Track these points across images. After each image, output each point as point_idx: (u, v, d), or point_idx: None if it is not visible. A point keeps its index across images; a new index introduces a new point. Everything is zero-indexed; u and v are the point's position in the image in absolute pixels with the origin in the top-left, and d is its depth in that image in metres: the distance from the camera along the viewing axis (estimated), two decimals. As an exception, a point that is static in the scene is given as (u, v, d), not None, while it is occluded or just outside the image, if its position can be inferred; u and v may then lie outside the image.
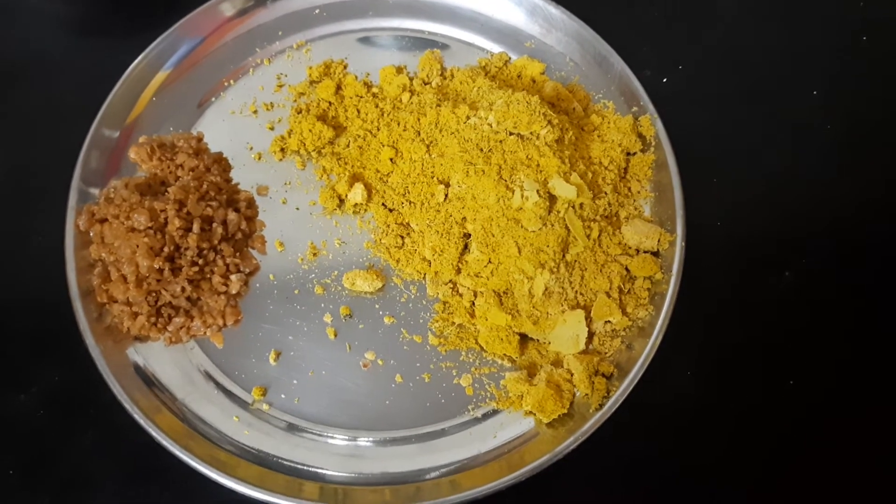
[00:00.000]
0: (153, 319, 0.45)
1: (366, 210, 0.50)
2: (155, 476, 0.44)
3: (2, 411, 0.45)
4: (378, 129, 0.52)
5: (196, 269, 0.45)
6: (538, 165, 0.46)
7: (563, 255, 0.46)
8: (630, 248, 0.48)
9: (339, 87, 0.53)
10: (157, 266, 0.44)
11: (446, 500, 0.41)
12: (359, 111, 0.53)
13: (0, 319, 0.47)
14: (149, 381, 0.45)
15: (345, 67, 0.55)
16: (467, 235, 0.47)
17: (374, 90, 0.54)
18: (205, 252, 0.45)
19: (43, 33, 0.58)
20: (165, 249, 0.44)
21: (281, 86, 0.54)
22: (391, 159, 0.50)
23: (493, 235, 0.46)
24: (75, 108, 0.51)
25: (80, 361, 0.44)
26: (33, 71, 0.56)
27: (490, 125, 0.47)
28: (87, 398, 0.45)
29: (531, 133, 0.47)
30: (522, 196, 0.45)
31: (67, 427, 0.45)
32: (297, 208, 0.50)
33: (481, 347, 0.46)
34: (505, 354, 0.46)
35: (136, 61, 0.51)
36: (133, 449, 0.44)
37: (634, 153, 0.51)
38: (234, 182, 0.50)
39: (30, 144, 0.53)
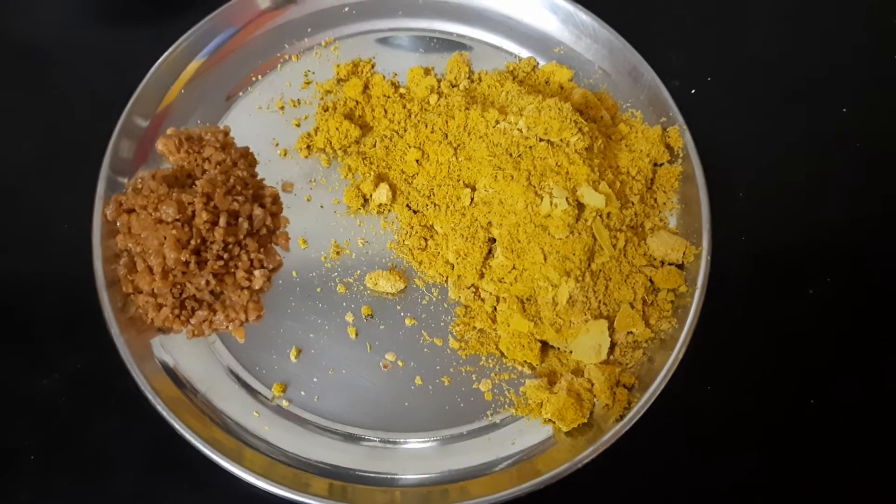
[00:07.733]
0: (177, 312, 0.45)
1: (390, 210, 0.50)
2: (172, 466, 0.44)
3: (24, 396, 0.45)
4: (405, 130, 0.51)
5: (221, 263, 0.45)
6: (567, 173, 0.46)
7: (589, 265, 0.46)
8: (655, 259, 0.48)
9: (366, 87, 0.53)
10: (183, 258, 0.44)
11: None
12: (386, 111, 0.52)
13: (26, 305, 0.48)
14: (171, 373, 0.45)
15: (372, 67, 0.55)
16: (492, 240, 0.47)
17: (402, 90, 0.54)
18: (230, 246, 0.45)
19: (73, 20, 0.58)
20: (192, 242, 0.44)
21: (308, 83, 0.54)
22: (417, 161, 0.50)
23: (519, 241, 0.46)
24: (103, 97, 0.51)
25: (103, 350, 0.44)
26: (63, 58, 0.56)
27: (520, 130, 0.47)
28: (108, 386, 0.45)
29: (561, 140, 0.46)
30: (551, 203, 0.45)
31: (88, 414, 0.45)
32: (322, 206, 0.50)
33: (502, 353, 0.46)
34: (525, 361, 0.46)
35: (171, 48, 0.51)
36: (152, 438, 0.44)
37: (662, 164, 0.51)
38: (259, 178, 0.50)
39: (59, 132, 0.53)
